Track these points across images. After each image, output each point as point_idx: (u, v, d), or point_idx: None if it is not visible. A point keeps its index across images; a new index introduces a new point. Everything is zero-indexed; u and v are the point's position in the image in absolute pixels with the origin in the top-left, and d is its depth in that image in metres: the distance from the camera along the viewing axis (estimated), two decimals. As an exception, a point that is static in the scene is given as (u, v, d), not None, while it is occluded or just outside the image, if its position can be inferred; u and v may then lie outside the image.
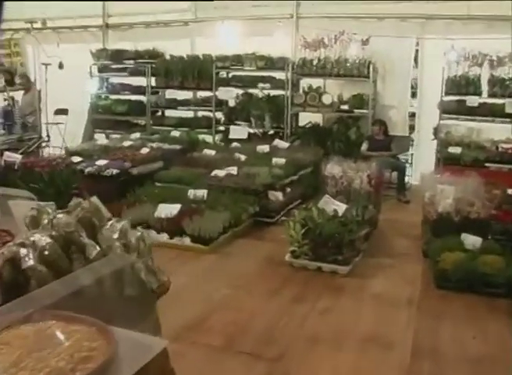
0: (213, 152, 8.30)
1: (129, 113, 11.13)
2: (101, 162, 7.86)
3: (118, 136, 10.39)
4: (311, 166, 8.16)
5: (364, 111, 9.02)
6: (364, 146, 8.56)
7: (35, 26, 12.08)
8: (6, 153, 7.58)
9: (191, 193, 6.56)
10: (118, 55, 11.07)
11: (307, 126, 9.69)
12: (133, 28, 11.61)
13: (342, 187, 6.09)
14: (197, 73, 10.20)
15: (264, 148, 8.44)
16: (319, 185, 6.91)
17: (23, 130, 9.44)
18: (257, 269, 5.12)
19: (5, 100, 9.62)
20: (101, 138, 11.15)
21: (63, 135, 12.19)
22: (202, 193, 6.50)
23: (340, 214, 5.27)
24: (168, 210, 6.01)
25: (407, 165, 8.81)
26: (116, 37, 11.80)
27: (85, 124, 11.88)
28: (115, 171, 7.59)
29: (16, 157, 7.46)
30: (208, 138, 10.22)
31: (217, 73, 9.98)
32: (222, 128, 10.35)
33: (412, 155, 9.11)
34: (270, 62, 9.51)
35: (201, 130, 10.41)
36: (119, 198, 7.02)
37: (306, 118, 9.79)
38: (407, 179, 8.60)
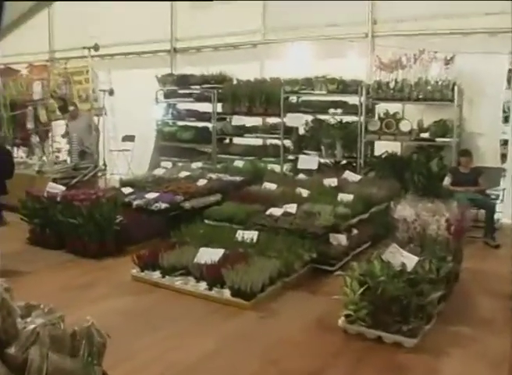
0: (273, 186, 7.48)
1: (194, 140, 10.59)
2: (151, 195, 7.29)
3: (181, 164, 9.87)
4: (384, 202, 7.18)
5: (448, 139, 7.94)
6: (448, 180, 7.49)
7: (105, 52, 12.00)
8: (50, 184, 7.17)
9: (239, 234, 5.78)
10: (183, 80, 10.61)
11: (383, 156, 8.69)
12: (201, 52, 11.14)
13: (414, 233, 5.08)
14: (264, 98, 9.51)
15: (331, 181, 7.52)
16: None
17: (80, 157, 9.08)
18: (302, 336, 4.21)
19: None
20: (167, 167, 10.69)
21: (129, 162, 11.93)
22: (252, 235, 5.70)
23: (410, 269, 4.29)
24: (209, 255, 5.24)
25: (498, 201, 7.60)
26: (184, 61, 11.42)
27: (152, 152, 11.45)
28: (163, 205, 6.99)
29: (58, 188, 7.02)
30: (277, 168, 9.49)
31: (286, 98, 9.25)
32: (291, 157, 9.53)
33: (504, 189, 7.87)
34: (342, 86, 8.65)
35: (269, 159, 9.70)
36: (165, 236, 6.38)
37: (382, 147, 8.81)
38: (496, 217, 7.40)
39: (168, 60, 11.48)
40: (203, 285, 5.10)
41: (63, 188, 7.06)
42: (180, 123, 11.06)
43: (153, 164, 11.18)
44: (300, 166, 9.08)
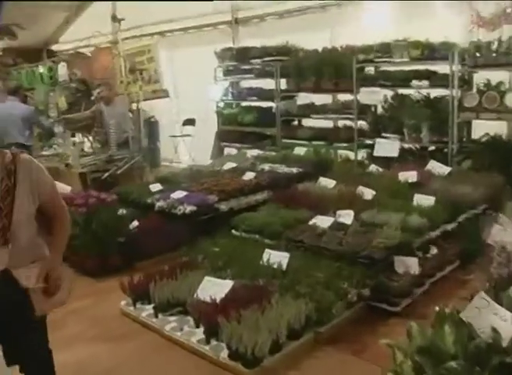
0: (331, 183, 5.78)
1: (257, 124, 9.03)
2: (178, 195, 5.83)
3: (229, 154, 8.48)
4: (481, 204, 5.32)
5: None
6: None
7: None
8: (56, 183, 5.91)
9: (266, 256, 4.19)
10: (244, 54, 9.05)
11: (483, 140, 6.72)
12: (265, 21, 9.53)
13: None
14: (334, 71, 7.78)
15: (409, 175, 5.69)
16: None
17: (118, 147, 7.81)
18: None
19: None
20: (231, 153, 9.29)
21: (190, 150, 10.70)
22: (280, 258, 4.09)
23: (506, 341, 2.51)
24: (213, 289, 3.72)
25: None
26: (247, 33, 9.90)
27: (214, 137, 10.06)
28: (189, 208, 5.50)
29: (64, 188, 5.74)
30: (352, 155, 7.80)
31: (360, 70, 7.45)
32: (369, 142, 7.72)
33: None
34: (429, 51, 6.72)
35: (342, 145, 7.99)
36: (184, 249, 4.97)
37: (481, 128, 6.81)
38: None
39: (230, 33, 9.99)
40: (199, 334, 3.59)
41: (68, 188, 5.80)
42: (243, 104, 9.57)
43: (215, 151, 9.84)
44: (376, 152, 7.26)
